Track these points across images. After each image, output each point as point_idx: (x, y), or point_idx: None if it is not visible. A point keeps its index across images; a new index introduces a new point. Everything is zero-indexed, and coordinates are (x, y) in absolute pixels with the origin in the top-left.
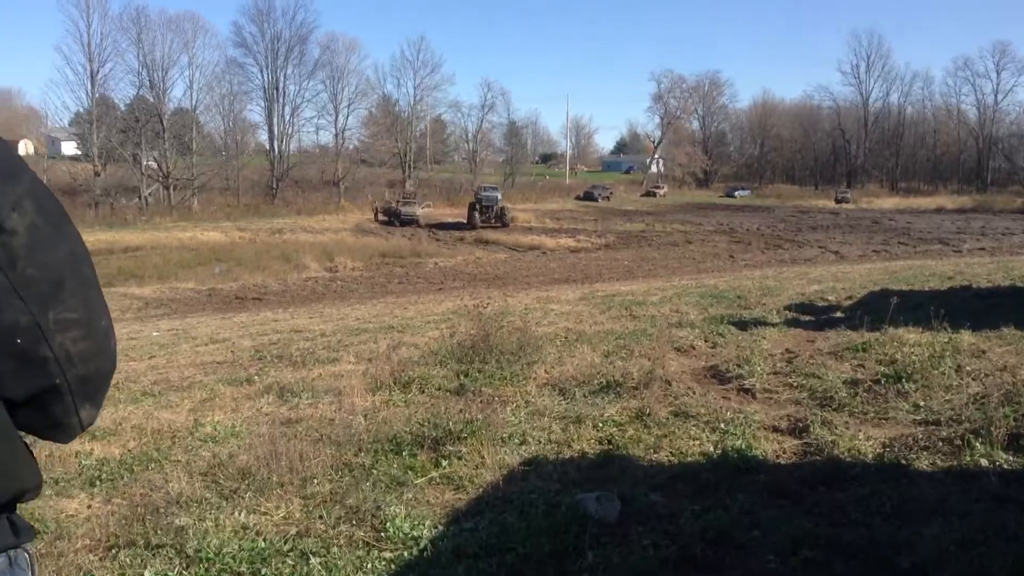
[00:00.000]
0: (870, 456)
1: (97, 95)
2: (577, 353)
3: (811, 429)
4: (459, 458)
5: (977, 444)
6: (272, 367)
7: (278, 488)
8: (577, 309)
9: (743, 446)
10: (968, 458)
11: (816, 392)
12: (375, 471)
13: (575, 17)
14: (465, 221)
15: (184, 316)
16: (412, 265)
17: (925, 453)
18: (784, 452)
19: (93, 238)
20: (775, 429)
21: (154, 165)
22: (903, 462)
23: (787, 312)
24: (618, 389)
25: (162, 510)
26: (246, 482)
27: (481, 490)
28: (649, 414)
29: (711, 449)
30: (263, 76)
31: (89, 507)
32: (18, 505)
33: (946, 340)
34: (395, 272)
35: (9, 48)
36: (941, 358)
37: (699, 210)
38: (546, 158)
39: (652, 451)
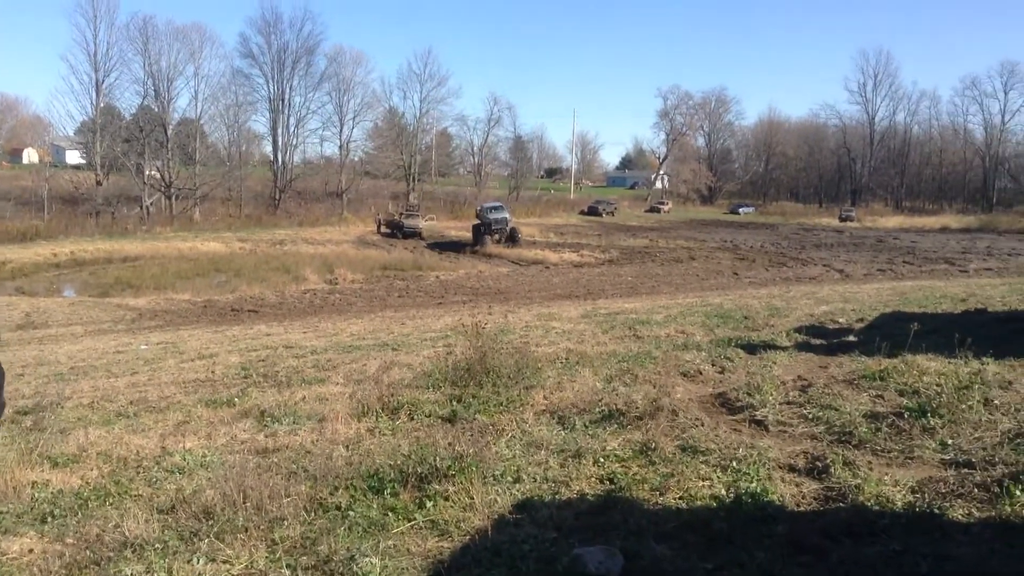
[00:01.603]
0: (899, 503)
1: (102, 104)
2: (578, 377)
3: (832, 470)
4: (445, 499)
5: (1017, 492)
6: (255, 387)
7: (243, 532)
8: (579, 328)
9: (758, 489)
10: (1008, 507)
11: (834, 426)
12: (352, 512)
13: (582, 33)
14: (471, 242)
15: (177, 328)
16: (413, 278)
17: (959, 501)
18: (803, 497)
19: (92, 247)
20: (791, 468)
21: (157, 175)
22: (936, 511)
23: (797, 335)
24: (621, 419)
25: (113, 556)
26: (209, 523)
27: (468, 537)
28: (655, 448)
29: (723, 492)
30: (269, 87)
31: (31, 551)
32: None
33: (970, 370)
34: (395, 285)
35: (16, 56)
36: (967, 390)
37: (703, 226)
38: (551, 172)
39: (658, 493)
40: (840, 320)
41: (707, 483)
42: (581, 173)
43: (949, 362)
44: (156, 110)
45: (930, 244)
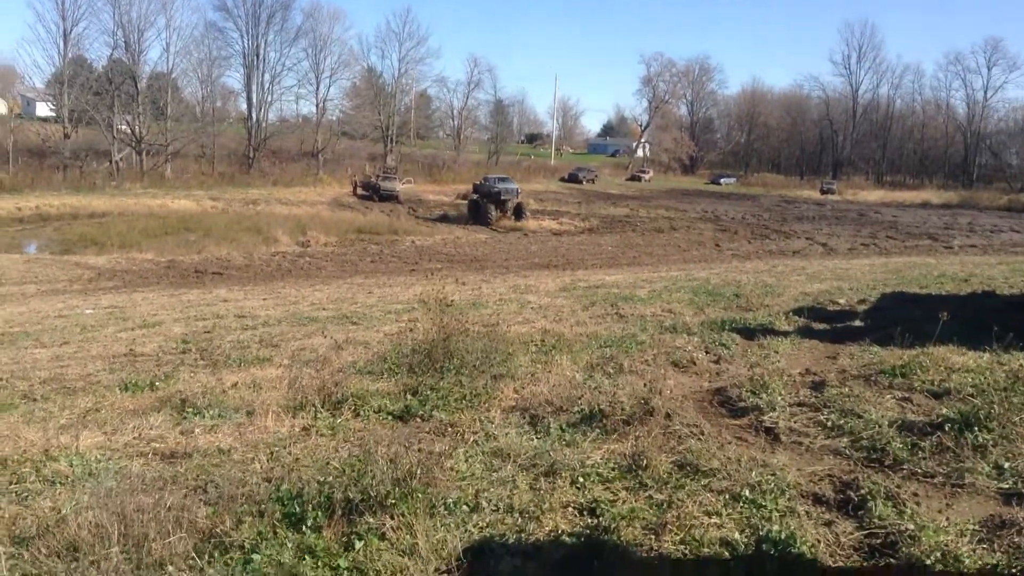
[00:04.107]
0: (968, 561)
1: (71, 55)
2: (555, 365)
3: (869, 504)
4: (381, 537)
5: None
6: (188, 367)
7: None
8: (557, 303)
9: (782, 535)
10: None
11: (860, 438)
12: (257, 556)
13: None
14: (466, 213)
15: (133, 290)
16: (388, 243)
17: None
18: (840, 546)
19: (59, 202)
20: (818, 499)
21: (127, 129)
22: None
23: (796, 318)
24: (604, 422)
25: None
26: (72, 563)
27: None
28: (646, 466)
29: (736, 536)
30: (243, 42)
31: None
32: None
33: (1008, 368)
34: (369, 250)
35: None
36: (1008, 392)
37: (684, 196)
38: (532, 138)
39: (653, 535)
40: (840, 301)
41: (715, 521)
42: (562, 139)
43: (980, 356)
44: (127, 62)
45: (912, 219)
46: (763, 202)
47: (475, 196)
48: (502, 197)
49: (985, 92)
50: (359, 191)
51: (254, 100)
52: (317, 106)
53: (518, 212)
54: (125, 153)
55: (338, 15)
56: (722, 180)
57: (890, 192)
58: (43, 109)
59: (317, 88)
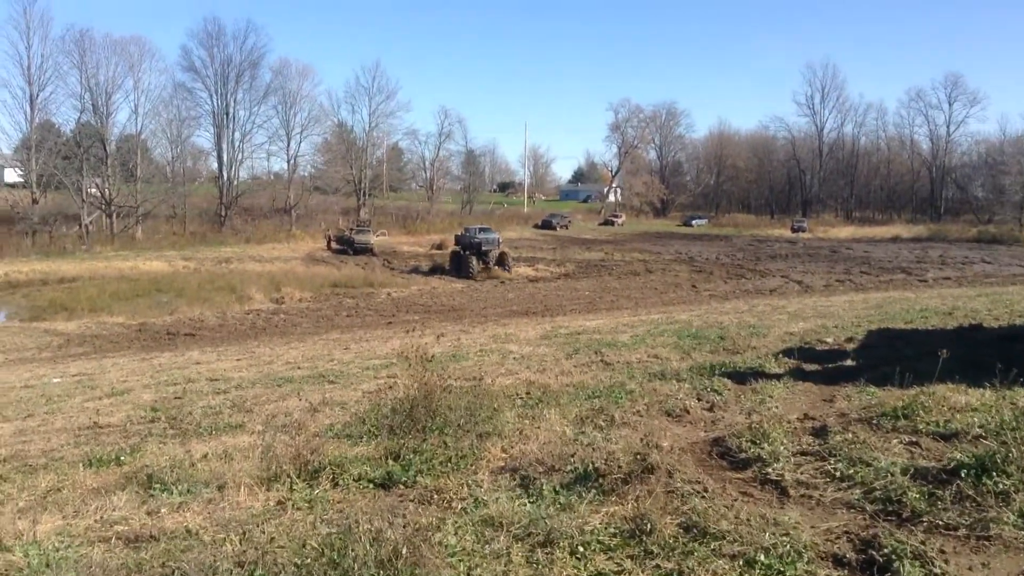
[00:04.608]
0: None
1: (38, 120)
2: (543, 420)
3: (896, 565)
4: None
5: None
6: (156, 437)
7: None
8: (539, 351)
9: None
10: None
11: (872, 489)
12: None
13: (532, 47)
14: (447, 267)
15: (103, 356)
16: (364, 296)
17: None
18: None
19: (28, 268)
20: (839, 561)
21: (96, 192)
22: None
23: (786, 359)
24: (600, 481)
25: None
26: None
27: None
28: (650, 530)
29: None
30: (212, 101)
31: None
32: None
33: (1014, 406)
34: (345, 304)
35: None
36: (1017, 432)
37: (658, 239)
38: (504, 187)
39: None
40: (827, 340)
41: None
42: (534, 187)
43: (981, 393)
44: (95, 125)
45: (883, 254)
46: (736, 242)
47: (456, 247)
48: (483, 248)
49: (948, 127)
50: (333, 245)
51: (224, 159)
52: (288, 162)
53: (501, 262)
54: (95, 216)
55: (307, 72)
56: (694, 222)
57: (860, 228)
58: (11, 175)
59: (288, 144)
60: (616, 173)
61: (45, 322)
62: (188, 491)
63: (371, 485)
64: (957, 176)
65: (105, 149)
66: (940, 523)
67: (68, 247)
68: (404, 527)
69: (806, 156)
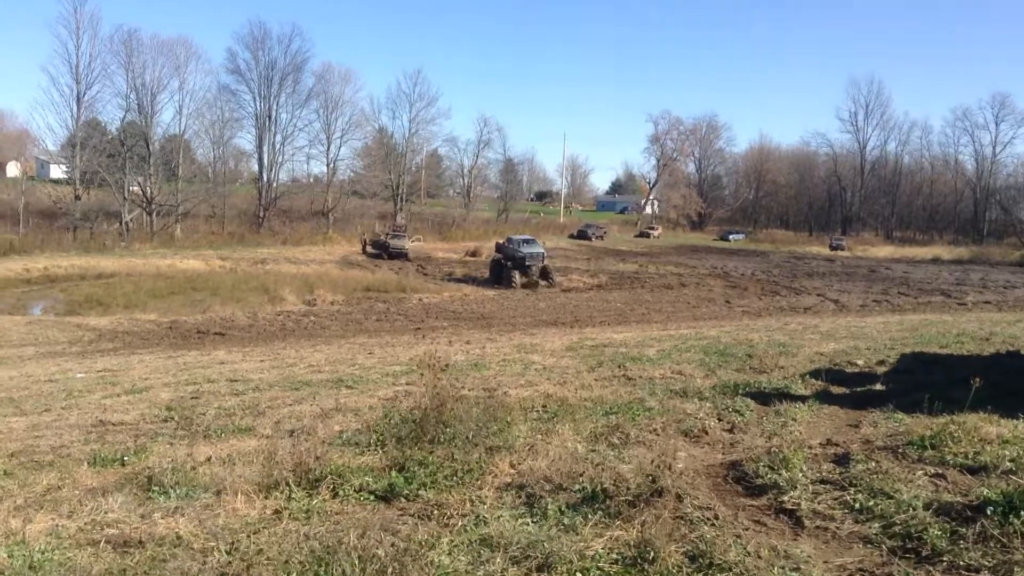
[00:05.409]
0: None
1: (84, 118)
2: (556, 436)
3: None
4: None
5: None
6: (166, 437)
7: None
8: (562, 363)
9: None
10: None
11: (892, 524)
12: None
13: (574, 57)
14: (488, 276)
15: (131, 352)
16: (395, 301)
17: None
18: None
19: (67, 263)
20: None
21: (138, 190)
22: None
23: (814, 381)
24: (607, 503)
25: None
26: None
27: None
28: (654, 558)
29: None
30: (255, 104)
31: None
32: None
33: None
34: (375, 308)
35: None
36: None
37: (693, 252)
38: (541, 196)
39: None
40: (858, 362)
41: None
42: (571, 197)
43: (1015, 424)
44: (140, 124)
45: (923, 275)
46: (772, 258)
47: (498, 256)
48: (527, 263)
49: (994, 147)
50: (368, 249)
51: (265, 161)
52: (328, 166)
53: (545, 275)
54: (135, 214)
55: (349, 76)
56: (731, 236)
57: (900, 248)
58: (57, 171)
59: (328, 148)
60: (654, 185)
61: (79, 317)
62: (186, 495)
63: (372, 497)
64: (1002, 198)
65: (148, 148)
66: (961, 564)
67: (108, 243)
68: (394, 545)
69: (847, 173)
